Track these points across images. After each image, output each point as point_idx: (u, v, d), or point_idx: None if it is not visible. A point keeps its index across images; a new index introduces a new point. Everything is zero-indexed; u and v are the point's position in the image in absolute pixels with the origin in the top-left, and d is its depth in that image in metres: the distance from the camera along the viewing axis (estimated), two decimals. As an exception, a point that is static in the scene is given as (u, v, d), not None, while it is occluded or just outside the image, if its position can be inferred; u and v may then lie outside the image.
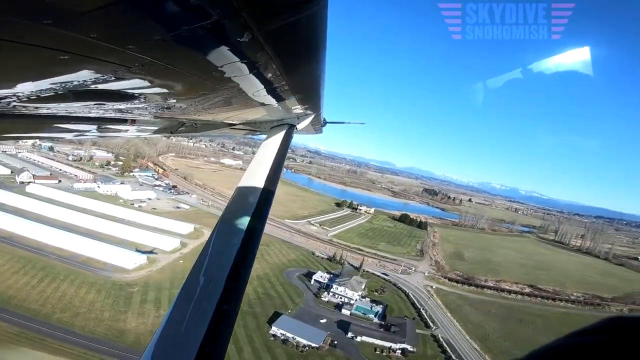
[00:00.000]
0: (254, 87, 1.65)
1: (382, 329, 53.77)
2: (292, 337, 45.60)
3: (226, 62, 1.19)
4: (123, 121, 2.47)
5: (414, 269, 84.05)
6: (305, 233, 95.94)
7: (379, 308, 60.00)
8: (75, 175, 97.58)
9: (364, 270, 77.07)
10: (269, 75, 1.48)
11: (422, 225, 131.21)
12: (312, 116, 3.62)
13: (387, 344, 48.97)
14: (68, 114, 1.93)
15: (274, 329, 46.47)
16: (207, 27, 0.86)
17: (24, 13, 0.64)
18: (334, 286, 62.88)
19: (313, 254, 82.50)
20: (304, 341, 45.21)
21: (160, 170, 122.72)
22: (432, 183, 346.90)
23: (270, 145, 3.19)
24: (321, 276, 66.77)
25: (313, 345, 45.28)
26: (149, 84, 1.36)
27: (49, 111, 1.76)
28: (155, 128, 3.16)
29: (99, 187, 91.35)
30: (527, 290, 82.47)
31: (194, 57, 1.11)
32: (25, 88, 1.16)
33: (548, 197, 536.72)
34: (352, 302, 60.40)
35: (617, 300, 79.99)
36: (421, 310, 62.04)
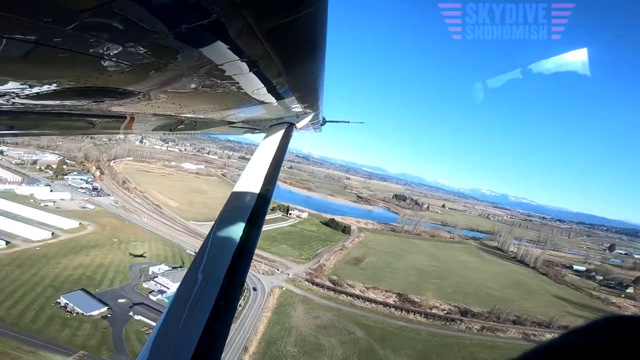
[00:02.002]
0: (254, 86, 1.69)
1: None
2: (72, 306, 52.79)
3: (226, 60, 1.19)
4: (122, 118, 2.51)
5: (280, 270, 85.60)
6: (197, 233, 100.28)
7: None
8: (6, 178, 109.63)
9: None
10: (269, 73, 1.50)
11: (345, 230, 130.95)
12: (312, 115, 3.67)
13: (153, 324, 52.59)
14: (67, 111, 1.94)
15: (61, 299, 53.85)
16: (207, 25, 0.86)
17: (24, 10, 0.65)
18: (159, 276, 67.54)
19: (185, 250, 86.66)
20: (78, 309, 52.59)
21: (98, 174, 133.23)
22: (421, 189, 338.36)
23: (270, 144, 3.23)
24: (159, 268, 71.74)
25: (84, 313, 52.46)
26: (148, 82, 1.38)
27: (48, 108, 1.77)
28: (154, 125, 3.20)
29: (17, 188, 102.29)
30: (392, 300, 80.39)
31: (194, 55, 1.10)
32: (25, 85, 1.14)
33: (537, 204, 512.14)
34: (168, 290, 64.17)
35: (479, 316, 74.71)
36: (236, 307, 64.21)
